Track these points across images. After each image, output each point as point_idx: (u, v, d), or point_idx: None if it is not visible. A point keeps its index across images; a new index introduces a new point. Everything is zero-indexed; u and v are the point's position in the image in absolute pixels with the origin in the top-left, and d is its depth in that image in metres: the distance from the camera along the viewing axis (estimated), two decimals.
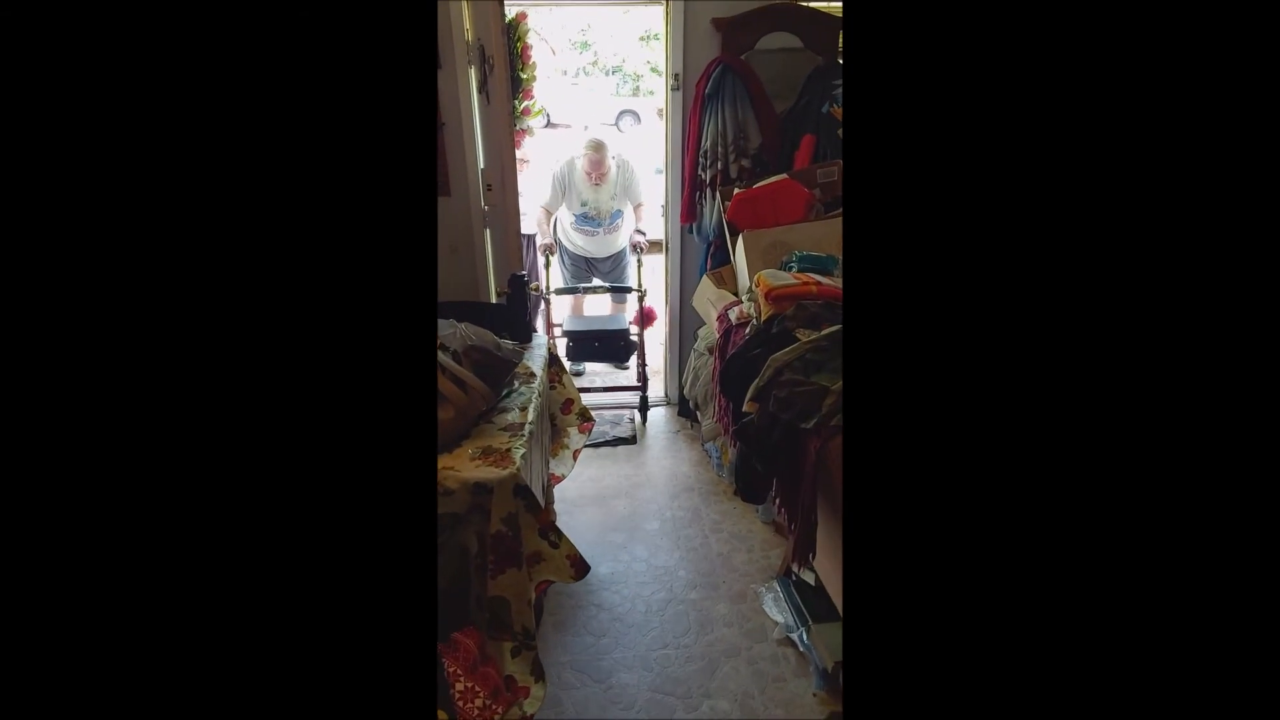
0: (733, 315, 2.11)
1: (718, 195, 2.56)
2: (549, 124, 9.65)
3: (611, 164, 3.10)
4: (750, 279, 2.08)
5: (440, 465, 1.40)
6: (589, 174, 3.08)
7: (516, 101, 2.79)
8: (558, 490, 2.43)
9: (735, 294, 2.36)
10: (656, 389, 3.28)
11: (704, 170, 2.64)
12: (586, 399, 2.33)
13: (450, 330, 1.63)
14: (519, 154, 3.37)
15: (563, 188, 3.15)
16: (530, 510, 1.43)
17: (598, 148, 3.04)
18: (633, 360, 3.09)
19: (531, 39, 3.13)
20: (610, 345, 3.04)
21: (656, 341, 3.35)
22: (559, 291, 3.18)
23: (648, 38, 10.05)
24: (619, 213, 3.24)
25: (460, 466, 1.40)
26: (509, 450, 1.47)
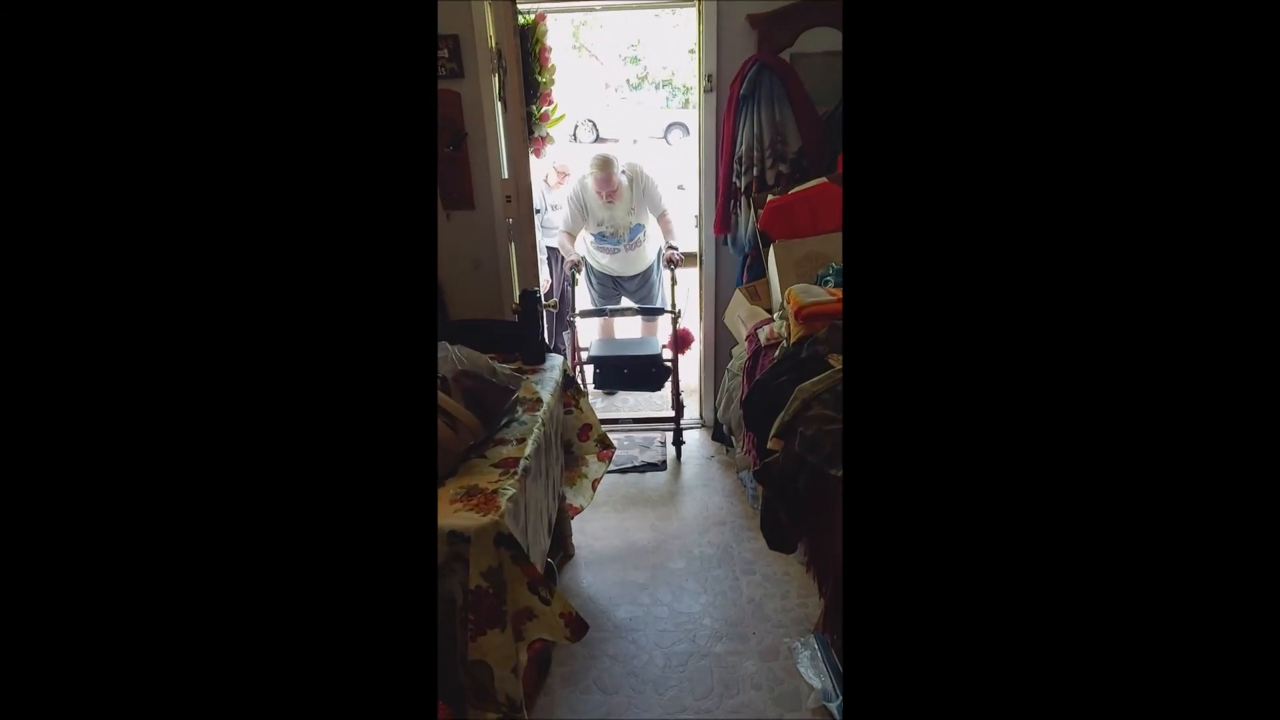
0: (762, 335, 1.90)
1: (752, 203, 2.35)
2: (598, 138, 9.63)
3: (621, 179, 2.89)
4: (782, 294, 1.87)
5: None
6: (599, 192, 2.90)
7: (534, 107, 2.65)
8: (576, 522, 2.27)
9: (769, 310, 2.14)
10: (691, 410, 3.07)
11: (738, 177, 2.45)
12: (612, 430, 2.13)
13: (441, 355, 1.48)
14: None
15: (580, 208, 2.98)
16: (517, 561, 1.26)
17: (603, 165, 2.83)
18: (666, 386, 2.88)
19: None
20: (640, 371, 2.82)
21: (691, 359, 3.15)
22: (583, 314, 3.01)
23: (696, 50, 9.92)
24: (639, 227, 3.04)
25: (438, 510, 1.24)
26: (496, 492, 1.31)
